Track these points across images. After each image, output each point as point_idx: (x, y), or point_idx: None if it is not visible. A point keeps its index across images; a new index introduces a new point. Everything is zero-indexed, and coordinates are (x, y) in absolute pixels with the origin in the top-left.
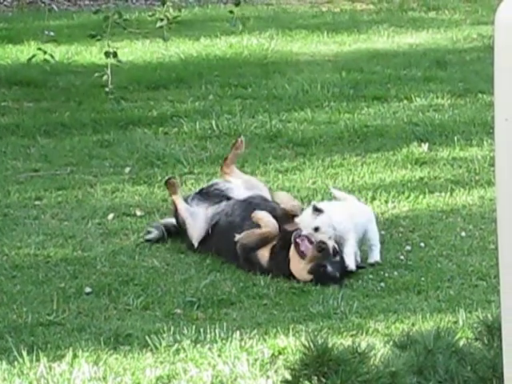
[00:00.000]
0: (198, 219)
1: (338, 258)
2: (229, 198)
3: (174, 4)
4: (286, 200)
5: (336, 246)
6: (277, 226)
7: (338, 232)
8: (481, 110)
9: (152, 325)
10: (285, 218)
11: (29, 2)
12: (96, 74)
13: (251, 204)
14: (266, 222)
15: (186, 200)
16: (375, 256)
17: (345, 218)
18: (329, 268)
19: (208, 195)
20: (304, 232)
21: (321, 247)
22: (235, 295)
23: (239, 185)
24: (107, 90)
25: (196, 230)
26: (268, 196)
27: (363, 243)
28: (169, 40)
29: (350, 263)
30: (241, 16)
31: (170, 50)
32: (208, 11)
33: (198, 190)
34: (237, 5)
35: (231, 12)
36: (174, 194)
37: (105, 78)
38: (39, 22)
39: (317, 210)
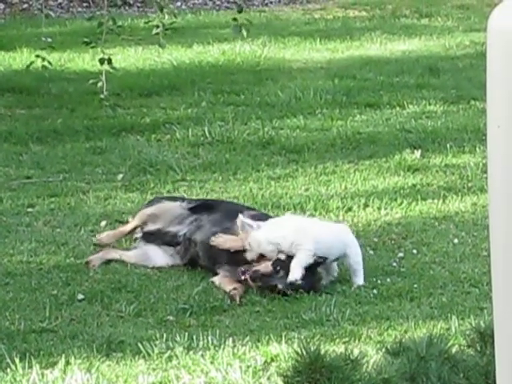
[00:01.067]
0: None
1: (282, 274)
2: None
3: (168, 10)
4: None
5: (280, 261)
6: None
7: (283, 247)
8: (473, 117)
9: (144, 332)
10: None
11: (22, 9)
12: (90, 81)
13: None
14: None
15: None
16: (358, 280)
17: (291, 232)
18: (279, 286)
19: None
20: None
21: (252, 278)
22: (228, 302)
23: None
24: (102, 96)
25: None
26: None
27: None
28: (165, 47)
29: (291, 276)
30: (243, 23)
31: (163, 57)
32: (201, 18)
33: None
34: (240, 12)
35: (235, 19)
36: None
37: (99, 84)
38: (32, 28)
39: (247, 225)
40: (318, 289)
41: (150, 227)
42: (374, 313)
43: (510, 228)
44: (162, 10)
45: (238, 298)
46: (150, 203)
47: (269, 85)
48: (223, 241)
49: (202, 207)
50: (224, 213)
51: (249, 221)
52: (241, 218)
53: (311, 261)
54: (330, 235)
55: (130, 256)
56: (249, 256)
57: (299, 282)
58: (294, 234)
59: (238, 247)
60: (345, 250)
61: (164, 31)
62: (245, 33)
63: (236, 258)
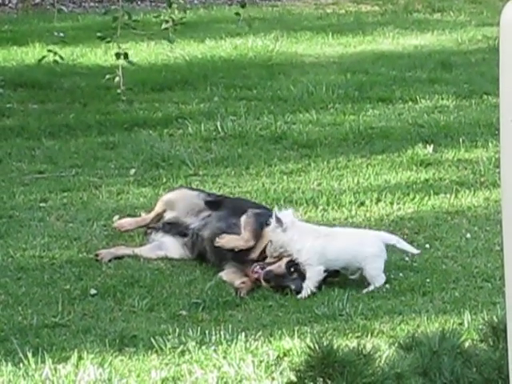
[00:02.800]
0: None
1: (295, 275)
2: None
3: (179, 6)
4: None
5: (293, 262)
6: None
7: (294, 256)
8: (486, 112)
9: (157, 326)
10: None
11: (34, 4)
12: (107, 76)
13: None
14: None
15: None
16: (371, 287)
17: (306, 248)
18: (292, 287)
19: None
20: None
21: (265, 278)
22: (240, 297)
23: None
24: (119, 91)
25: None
26: None
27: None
28: (174, 42)
29: (302, 295)
30: (247, 17)
31: (175, 52)
32: (213, 13)
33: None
34: (243, 6)
35: (237, 14)
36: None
37: (116, 79)
38: (44, 23)
39: (278, 222)
40: None
41: (169, 216)
42: (387, 307)
43: None
44: (170, 6)
45: (244, 292)
46: (171, 190)
47: (281, 79)
48: (227, 241)
49: (217, 203)
50: (231, 209)
51: (279, 219)
52: (276, 214)
53: (321, 277)
54: (346, 252)
55: (143, 250)
56: (253, 254)
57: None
58: (306, 252)
59: (242, 246)
60: (363, 264)
61: (174, 26)
62: (246, 27)
63: (242, 255)
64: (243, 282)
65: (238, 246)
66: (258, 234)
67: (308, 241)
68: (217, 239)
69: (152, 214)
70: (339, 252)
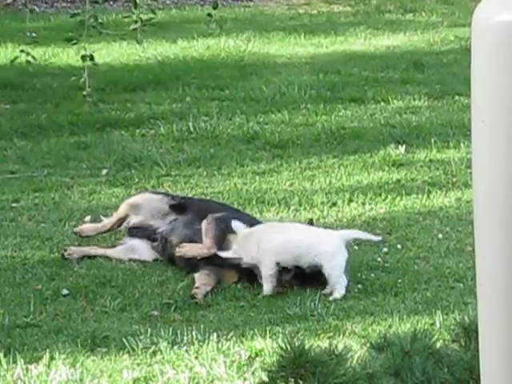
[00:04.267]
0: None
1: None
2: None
3: (149, 6)
4: None
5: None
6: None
7: (245, 260)
8: (458, 112)
9: (129, 327)
10: None
11: (6, 4)
12: (73, 78)
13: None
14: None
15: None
16: (335, 293)
17: (254, 245)
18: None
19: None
20: None
21: None
22: (212, 297)
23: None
24: (85, 93)
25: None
26: None
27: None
28: (142, 43)
29: (264, 292)
30: (219, 18)
31: (147, 52)
32: (185, 13)
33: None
34: (215, 8)
35: (209, 15)
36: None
37: (82, 80)
38: (16, 23)
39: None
40: None
41: (134, 220)
42: (359, 308)
43: (494, 223)
44: (136, 6)
45: (200, 297)
46: (135, 194)
47: (253, 80)
48: (188, 249)
49: (182, 206)
50: (196, 213)
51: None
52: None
53: (273, 270)
54: (299, 246)
55: (115, 251)
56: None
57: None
58: (256, 247)
59: (205, 254)
60: (318, 260)
61: (142, 27)
62: (218, 29)
63: (212, 259)
64: (197, 288)
65: (201, 254)
66: (219, 240)
67: (263, 239)
68: (177, 249)
69: (114, 219)
70: (289, 243)
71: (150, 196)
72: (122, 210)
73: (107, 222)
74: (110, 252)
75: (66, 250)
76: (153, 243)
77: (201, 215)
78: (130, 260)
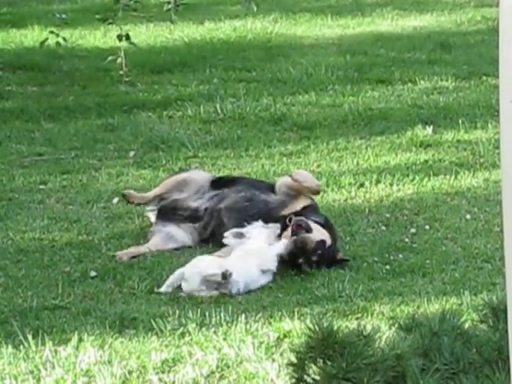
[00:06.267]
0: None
1: (315, 258)
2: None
3: None
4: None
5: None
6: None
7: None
8: (485, 93)
9: (157, 308)
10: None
11: None
12: (110, 58)
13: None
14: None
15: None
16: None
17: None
18: (303, 266)
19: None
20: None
21: (296, 243)
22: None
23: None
24: (121, 72)
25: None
26: None
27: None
28: (176, 23)
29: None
30: None
31: (174, 34)
32: None
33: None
34: None
35: None
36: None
37: (118, 60)
38: (43, 5)
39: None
40: None
41: (175, 197)
42: (387, 289)
43: None
44: None
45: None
46: (182, 170)
47: (280, 61)
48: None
49: (221, 183)
50: (243, 185)
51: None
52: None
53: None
54: None
55: (153, 244)
56: (284, 212)
57: None
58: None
59: (316, 187)
60: None
61: (175, 7)
62: (255, 7)
63: (272, 211)
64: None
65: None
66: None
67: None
68: (292, 175)
69: (159, 191)
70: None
71: (199, 173)
72: (169, 184)
73: (152, 192)
74: (151, 246)
75: (114, 257)
76: (194, 224)
77: (246, 188)
78: (171, 249)
